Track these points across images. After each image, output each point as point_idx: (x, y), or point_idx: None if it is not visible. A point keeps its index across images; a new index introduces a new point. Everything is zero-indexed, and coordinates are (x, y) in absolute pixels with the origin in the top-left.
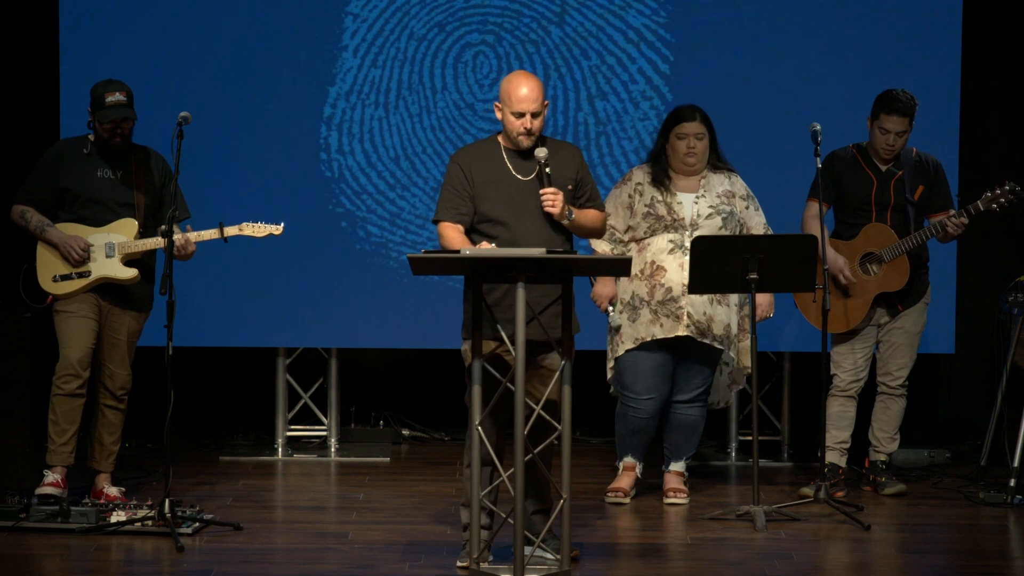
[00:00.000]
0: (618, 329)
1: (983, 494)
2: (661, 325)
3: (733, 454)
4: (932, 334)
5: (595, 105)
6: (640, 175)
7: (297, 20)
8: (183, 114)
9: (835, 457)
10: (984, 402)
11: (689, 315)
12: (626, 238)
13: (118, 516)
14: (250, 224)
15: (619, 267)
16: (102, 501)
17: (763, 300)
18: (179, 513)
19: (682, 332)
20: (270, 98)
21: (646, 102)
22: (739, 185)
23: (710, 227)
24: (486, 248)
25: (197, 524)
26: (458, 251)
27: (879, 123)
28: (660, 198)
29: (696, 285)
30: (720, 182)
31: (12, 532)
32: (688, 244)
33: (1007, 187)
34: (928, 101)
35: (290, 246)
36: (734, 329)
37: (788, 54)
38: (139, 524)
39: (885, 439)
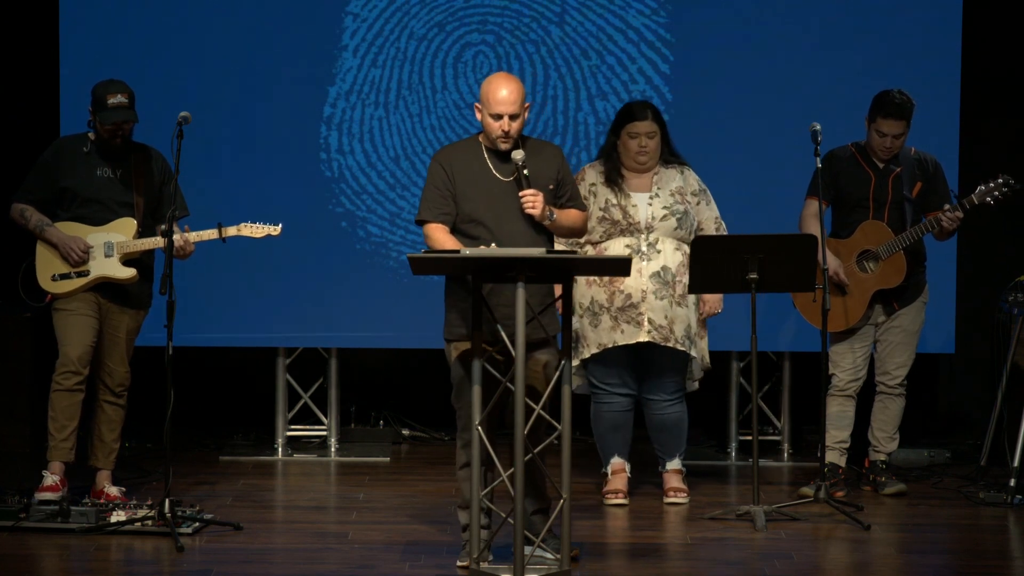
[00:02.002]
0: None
1: (983, 494)
2: (622, 331)
3: (733, 454)
4: (931, 334)
5: (595, 105)
6: (593, 175)
7: (297, 20)
8: (183, 114)
9: (835, 457)
10: (984, 402)
11: (650, 320)
12: (582, 241)
13: (118, 516)
14: (248, 224)
15: (619, 267)
16: (102, 501)
17: (711, 296)
18: (179, 513)
19: (643, 338)
20: (270, 98)
21: None
22: (691, 180)
23: (665, 228)
24: (486, 248)
25: (197, 524)
26: (458, 251)
27: (876, 126)
28: (615, 201)
29: (696, 285)
30: (672, 178)
31: (12, 532)
32: (644, 248)
33: (1000, 180)
34: (928, 100)
35: (290, 246)
36: (695, 328)
37: (788, 54)
38: (139, 524)
39: (884, 439)
